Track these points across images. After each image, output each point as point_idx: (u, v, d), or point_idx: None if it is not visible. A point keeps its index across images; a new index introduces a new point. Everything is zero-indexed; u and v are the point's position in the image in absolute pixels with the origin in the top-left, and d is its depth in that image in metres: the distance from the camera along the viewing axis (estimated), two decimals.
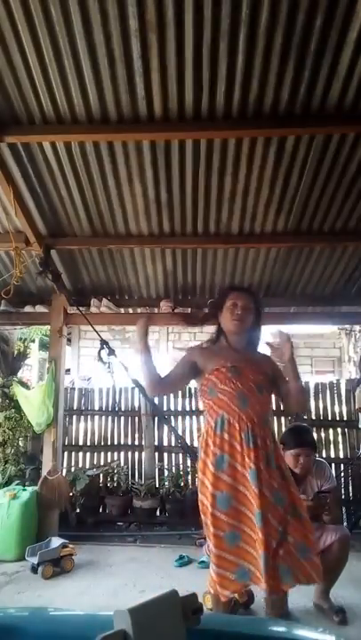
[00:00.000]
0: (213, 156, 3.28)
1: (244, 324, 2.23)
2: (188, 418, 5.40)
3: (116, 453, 5.35)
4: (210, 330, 2.43)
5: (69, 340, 8.53)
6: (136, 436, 5.35)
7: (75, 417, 5.43)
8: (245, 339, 2.29)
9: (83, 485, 4.72)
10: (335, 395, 5.27)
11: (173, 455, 5.30)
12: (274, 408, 4.54)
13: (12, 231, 3.93)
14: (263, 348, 2.29)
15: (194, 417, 5.38)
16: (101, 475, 5.12)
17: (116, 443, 5.36)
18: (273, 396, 2.36)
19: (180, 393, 5.45)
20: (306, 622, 2.72)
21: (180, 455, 5.26)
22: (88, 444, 5.36)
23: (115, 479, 5.09)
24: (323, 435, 5.14)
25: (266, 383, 2.18)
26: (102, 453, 5.35)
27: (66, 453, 5.22)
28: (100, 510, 5.05)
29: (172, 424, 5.27)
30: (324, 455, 4.96)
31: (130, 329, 9.11)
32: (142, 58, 2.59)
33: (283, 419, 5.13)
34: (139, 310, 5.24)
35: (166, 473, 5.20)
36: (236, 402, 2.10)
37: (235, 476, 2.04)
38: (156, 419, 5.34)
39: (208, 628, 0.72)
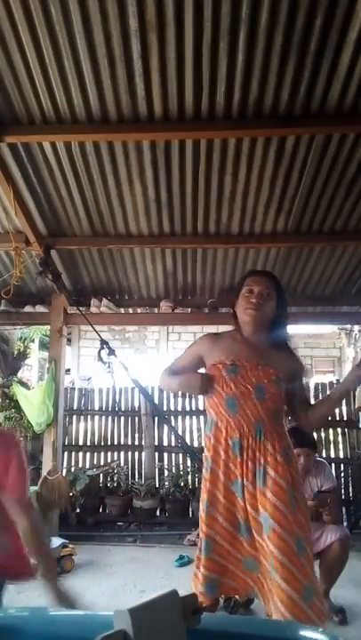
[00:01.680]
0: (213, 156, 3.28)
1: (259, 314, 1.88)
2: (188, 418, 5.41)
3: (116, 453, 5.35)
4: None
5: (69, 340, 8.53)
6: (136, 435, 5.36)
7: (75, 417, 5.44)
8: (264, 331, 1.93)
9: (83, 485, 4.72)
10: None
11: (173, 455, 5.30)
12: None
13: (12, 231, 3.93)
14: (289, 345, 2.02)
15: (194, 417, 5.39)
16: (101, 475, 5.12)
17: (116, 443, 5.36)
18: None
19: (180, 392, 5.45)
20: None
21: (180, 455, 5.26)
22: (88, 443, 5.36)
23: (115, 479, 5.09)
24: (323, 435, 5.14)
25: (272, 386, 1.82)
26: (102, 453, 5.35)
27: (66, 453, 5.22)
28: (100, 510, 5.06)
29: (172, 424, 5.27)
30: (324, 455, 4.96)
31: (130, 329, 9.13)
32: (142, 58, 2.59)
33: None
34: (139, 310, 5.24)
35: (166, 473, 5.20)
36: (224, 405, 1.83)
37: (216, 483, 1.84)
38: (156, 419, 5.34)
39: (208, 628, 0.72)
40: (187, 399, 5.44)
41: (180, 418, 5.41)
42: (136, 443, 5.34)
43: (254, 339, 1.92)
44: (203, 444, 2.00)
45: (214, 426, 1.87)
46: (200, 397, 5.45)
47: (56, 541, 3.78)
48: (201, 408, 5.39)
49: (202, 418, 5.37)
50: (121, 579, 3.55)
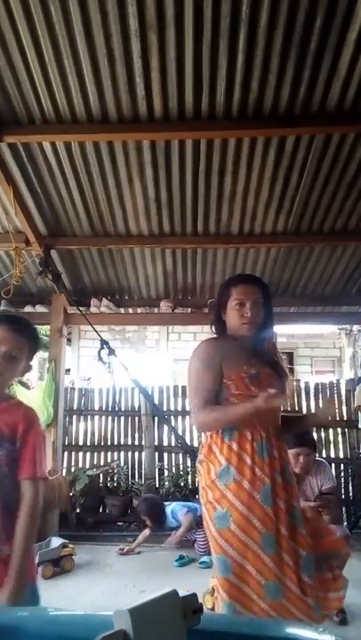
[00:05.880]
0: (213, 156, 3.28)
1: (255, 326, 1.86)
2: (188, 418, 5.40)
3: (116, 453, 5.35)
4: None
5: (69, 340, 8.52)
6: (136, 435, 5.35)
7: (75, 417, 5.43)
8: (258, 337, 1.92)
9: (83, 485, 4.72)
10: (335, 395, 5.27)
11: (173, 455, 5.30)
12: None
13: (11, 231, 3.93)
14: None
15: None
16: (101, 475, 5.12)
17: (116, 443, 5.36)
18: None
19: (180, 392, 5.46)
20: (306, 622, 2.71)
21: (180, 455, 5.26)
22: (88, 444, 5.36)
23: (115, 479, 5.09)
24: (323, 435, 5.14)
25: (281, 386, 1.82)
26: (102, 453, 5.34)
27: (66, 453, 5.22)
28: (100, 510, 5.05)
29: (172, 424, 5.27)
30: (324, 455, 4.96)
31: (130, 329, 9.12)
32: (142, 58, 2.59)
33: None
34: (139, 310, 5.25)
35: (166, 473, 5.19)
36: None
37: (239, 495, 1.69)
38: (156, 419, 5.34)
39: (208, 629, 0.72)
40: (186, 399, 5.43)
41: (180, 418, 5.41)
42: (136, 443, 5.33)
43: (253, 345, 1.90)
44: (207, 452, 1.83)
45: (237, 432, 1.76)
46: None
47: (56, 541, 3.78)
48: None
49: None
50: (121, 579, 3.55)
